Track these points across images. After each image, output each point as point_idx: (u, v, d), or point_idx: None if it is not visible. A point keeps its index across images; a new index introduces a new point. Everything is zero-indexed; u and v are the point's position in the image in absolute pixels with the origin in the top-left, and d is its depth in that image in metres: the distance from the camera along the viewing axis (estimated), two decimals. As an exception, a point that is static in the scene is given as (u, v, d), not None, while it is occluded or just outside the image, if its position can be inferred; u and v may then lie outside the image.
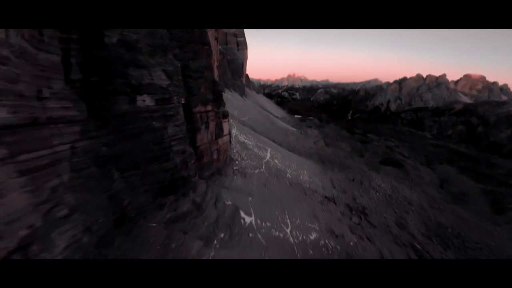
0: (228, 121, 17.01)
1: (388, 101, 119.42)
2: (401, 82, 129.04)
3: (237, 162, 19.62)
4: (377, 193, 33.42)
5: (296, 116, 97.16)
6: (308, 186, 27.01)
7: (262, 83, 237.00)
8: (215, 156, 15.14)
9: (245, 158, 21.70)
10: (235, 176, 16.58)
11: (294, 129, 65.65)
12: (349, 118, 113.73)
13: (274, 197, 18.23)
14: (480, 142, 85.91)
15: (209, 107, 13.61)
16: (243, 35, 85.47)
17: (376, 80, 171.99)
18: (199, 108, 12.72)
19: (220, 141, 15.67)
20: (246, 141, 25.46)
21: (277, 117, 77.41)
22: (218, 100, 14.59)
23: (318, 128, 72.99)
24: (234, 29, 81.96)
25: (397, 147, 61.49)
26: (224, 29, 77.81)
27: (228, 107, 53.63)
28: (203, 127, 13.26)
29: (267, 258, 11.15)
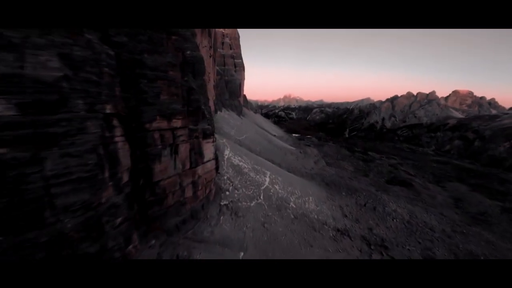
0: (213, 141, 12.14)
1: (383, 119, 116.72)
2: (393, 100, 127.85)
3: (227, 193, 14.48)
4: (394, 220, 27.85)
5: (294, 134, 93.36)
6: (316, 217, 21.52)
7: (259, 103, 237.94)
8: (189, 193, 9.93)
9: (239, 186, 16.60)
10: (222, 217, 11.35)
11: (293, 148, 60.96)
12: (347, 136, 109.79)
13: (276, 243, 12.80)
14: (480, 157, 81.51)
15: (178, 123, 8.75)
16: (240, 57, 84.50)
17: (368, 99, 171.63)
18: (158, 123, 7.87)
19: (199, 170, 10.72)
20: (241, 163, 20.46)
21: (275, 135, 73.20)
22: (195, 114, 9.88)
23: (317, 146, 68.41)
24: (231, 51, 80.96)
25: (401, 165, 56.43)
26: (221, 51, 76.77)
27: (225, 126, 49.30)
28: (165, 152, 8.35)
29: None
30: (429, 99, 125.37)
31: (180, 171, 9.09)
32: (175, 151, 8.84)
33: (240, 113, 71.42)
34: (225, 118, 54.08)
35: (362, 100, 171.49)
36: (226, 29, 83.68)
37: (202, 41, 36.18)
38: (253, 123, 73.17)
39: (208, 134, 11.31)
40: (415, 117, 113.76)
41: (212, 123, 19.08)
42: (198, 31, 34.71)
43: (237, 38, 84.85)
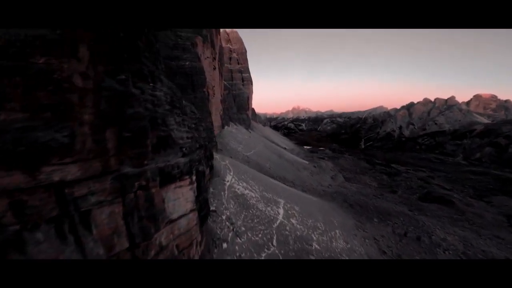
0: (193, 182, 7.25)
1: (400, 127, 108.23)
2: (409, 107, 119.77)
3: (225, 246, 9.52)
4: (446, 253, 21.49)
5: (305, 147, 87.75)
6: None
7: (268, 116, 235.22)
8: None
9: (243, 229, 11.68)
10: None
11: (305, 161, 55.39)
12: (363, 147, 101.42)
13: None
14: (517, 165, 71.29)
15: (71, 170, 4.07)
16: (248, 71, 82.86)
17: (381, 107, 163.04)
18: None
19: (161, 237, 6.15)
20: (246, 192, 15.61)
21: (285, 148, 68.17)
22: (137, 143, 5.32)
23: (332, 159, 62.26)
24: (239, 66, 79.28)
25: (432, 178, 48.91)
26: (229, 66, 75.14)
27: (232, 142, 45.00)
28: (39, 236, 3.60)
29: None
30: (449, 104, 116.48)
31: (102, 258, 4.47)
32: (77, 226, 4.19)
33: (248, 126, 67.74)
34: (232, 133, 50.17)
35: (375, 109, 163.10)
36: (233, 45, 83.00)
37: (204, 52, 33.36)
38: (262, 137, 68.84)
39: (176, 175, 6.49)
40: (436, 124, 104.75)
41: (207, 146, 14.63)
42: (199, 41, 31.94)
43: (244, 53, 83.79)
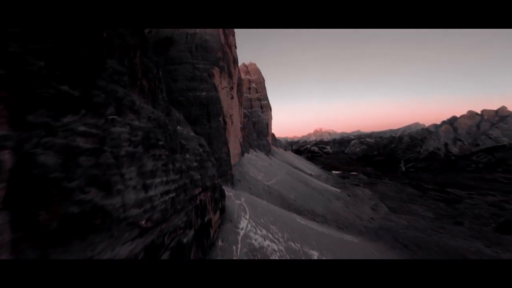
0: None
1: (446, 144, 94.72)
2: (452, 122, 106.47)
3: None
4: None
5: (333, 172, 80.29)
6: None
7: (289, 140, 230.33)
8: None
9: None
10: None
11: (337, 189, 48.93)
12: (404, 169, 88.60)
13: None
14: None
15: None
16: (266, 98, 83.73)
17: (417, 124, 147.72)
18: None
19: None
20: (267, 243, 11.66)
21: (311, 174, 62.44)
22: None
23: (368, 186, 54.48)
24: (257, 94, 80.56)
25: (507, 202, 38.61)
26: (248, 95, 76.62)
27: (252, 170, 41.77)
28: None
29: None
30: (501, 115, 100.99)
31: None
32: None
33: (268, 152, 64.88)
34: (252, 160, 47.46)
35: (409, 126, 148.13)
36: (252, 76, 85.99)
37: (221, 82, 33.31)
38: (284, 162, 64.61)
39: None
40: (490, 138, 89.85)
41: (215, 184, 11.67)
42: (216, 72, 32.20)
43: (262, 82, 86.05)
